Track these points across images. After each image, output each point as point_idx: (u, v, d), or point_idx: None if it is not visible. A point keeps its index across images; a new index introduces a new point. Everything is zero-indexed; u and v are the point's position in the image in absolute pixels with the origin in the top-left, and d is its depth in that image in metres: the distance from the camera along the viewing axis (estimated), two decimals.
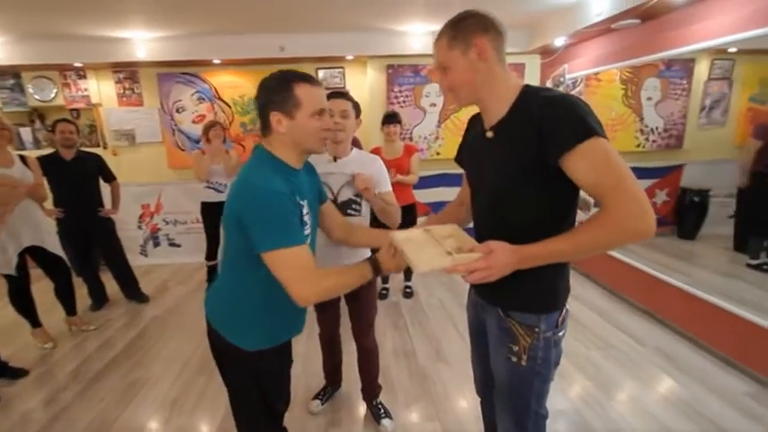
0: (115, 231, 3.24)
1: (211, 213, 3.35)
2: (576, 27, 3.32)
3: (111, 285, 3.33)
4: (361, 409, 2.02)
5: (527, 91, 0.97)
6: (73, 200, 2.97)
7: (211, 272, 3.53)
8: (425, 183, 4.05)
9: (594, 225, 0.87)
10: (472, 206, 1.18)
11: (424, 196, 4.16)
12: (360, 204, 1.67)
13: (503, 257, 0.89)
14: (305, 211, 1.12)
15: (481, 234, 1.08)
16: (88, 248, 3.15)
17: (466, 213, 1.27)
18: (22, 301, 2.57)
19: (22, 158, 2.52)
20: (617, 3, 2.80)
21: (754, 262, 2.91)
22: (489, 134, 1.02)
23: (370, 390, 1.95)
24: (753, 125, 3.09)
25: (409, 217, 3.20)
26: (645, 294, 2.98)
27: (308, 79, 1.09)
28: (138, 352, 2.60)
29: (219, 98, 4.21)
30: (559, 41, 3.72)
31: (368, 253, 1.73)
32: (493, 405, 1.33)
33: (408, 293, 3.38)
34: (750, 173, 2.94)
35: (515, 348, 1.05)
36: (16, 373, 2.32)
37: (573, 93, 3.85)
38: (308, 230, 1.15)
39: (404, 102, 4.24)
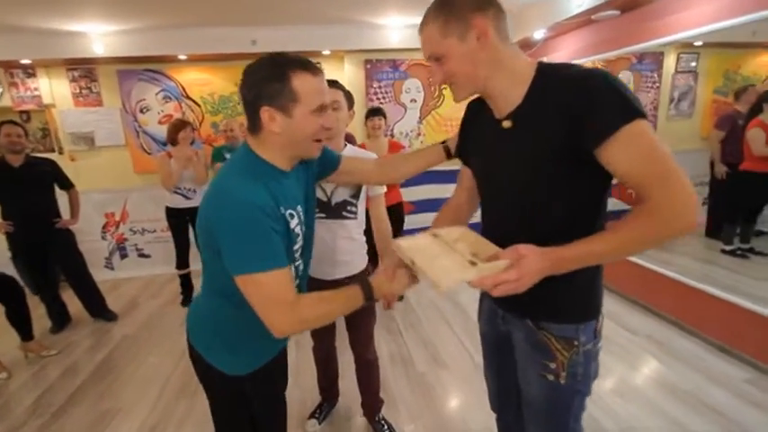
0: (75, 244, 2.95)
1: (179, 219, 3.12)
2: (556, 19, 3.29)
3: (73, 304, 3.03)
4: (363, 425, 1.88)
5: (544, 70, 0.84)
6: (24, 211, 2.67)
7: (185, 281, 3.28)
8: (410, 180, 3.94)
9: (639, 221, 0.76)
10: (484, 208, 1.04)
11: (409, 194, 4.06)
12: (356, 206, 1.53)
13: (535, 264, 0.75)
14: (294, 222, 0.95)
15: (499, 240, 0.91)
16: (45, 264, 2.84)
17: (467, 216, 1.13)
18: None
19: None
20: None
21: (728, 248, 2.99)
22: (506, 124, 0.88)
23: (372, 405, 1.82)
24: (716, 116, 3.18)
25: (396, 216, 3.08)
26: (633, 285, 2.98)
27: (308, 67, 0.90)
28: (107, 377, 2.35)
29: (187, 96, 3.94)
30: (539, 34, 3.69)
31: (364, 252, 1.60)
32: (510, 421, 1.23)
33: (399, 296, 3.27)
34: (722, 163, 3.02)
35: (552, 366, 0.93)
36: None
37: None
38: (298, 243, 0.99)
39: (383, 98, 4.12)
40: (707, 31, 2.32)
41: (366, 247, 1.62)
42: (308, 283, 1.25)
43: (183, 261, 3.22)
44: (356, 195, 1.52)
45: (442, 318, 2.90)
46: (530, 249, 0.77)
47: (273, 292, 0.86)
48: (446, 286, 0.76)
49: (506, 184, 0.94)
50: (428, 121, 4.27)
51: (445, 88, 4.18)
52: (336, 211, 1.49)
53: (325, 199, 1.48)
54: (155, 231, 3.97)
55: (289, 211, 0.94)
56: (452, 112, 4.29)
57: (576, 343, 0.91)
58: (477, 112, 1.01)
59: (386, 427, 1.79)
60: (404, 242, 0.90)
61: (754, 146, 2.73)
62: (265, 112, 0.89)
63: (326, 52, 3.93)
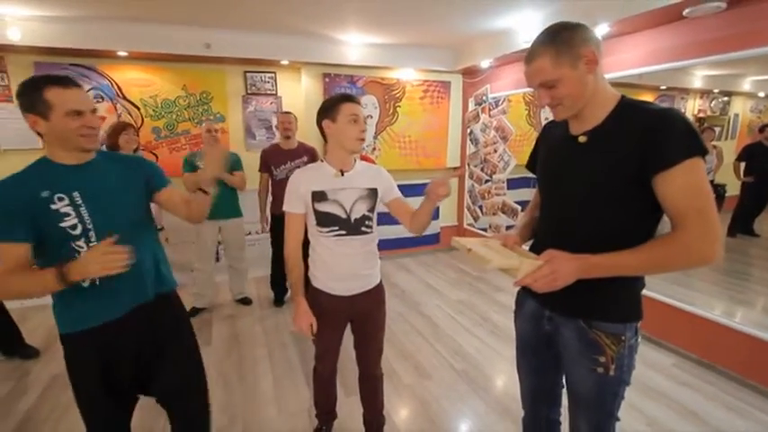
0: None
1: None
2: (503, 51, 3.66)
3: None
4: None
5: (626, 102, 0.99)
6: None
7: None
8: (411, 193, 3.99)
9: (667, 243, 0.91)
10: (542, 213, 1.17)
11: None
12: (372, 221, 1.53)
13: (565, 265, 0.92)
14: (59, 202, 1.14)
15: (545, 241, 1.07)
16: None
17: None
18: None
19: None
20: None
21: None
22: (582, 139, 1.02)
23: (376, 422, 1.79)
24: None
25: None
26: None
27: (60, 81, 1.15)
28: (40, 431, 1.94)
29: (124, 97, 3.51)
30: (485, 63, 4.06)
31: (379, 266, 1.61)
32: (540, 417, 1.33)
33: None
34: None
35: (602, 359, 1.04)
36: None
37: (495, 111, 4.23)
38: (69, 222, 1.15)
39: None
40: (620, 75, 2.85)
41: (379, 262, 1.62)
42: (325, 299, 1.51)
43: None
44: (372, 209, 1.53)
45: (414, 329, 2.96)
46: (559, 252, 0.94)
47: None
48: (494, 265, 0.96)
49: (564, 193, 1.07)
50: (383, 136, 4.39)
51: (399, 107, 4.33)
52: (356, 227, 1.48)
53: (344, 216, 1.46)
54: None
55: (59, 195, 1.15)
56: (405, 129, 4.46)
57: (623, 338, 1.04)
58: (550, 130, 1.16)
59: None
60: (462, 238, 1.08)
61: None
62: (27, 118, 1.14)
63: (285, 62, 3.83)
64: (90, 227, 1.19)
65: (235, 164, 3.04)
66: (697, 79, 3.19)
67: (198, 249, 3.07)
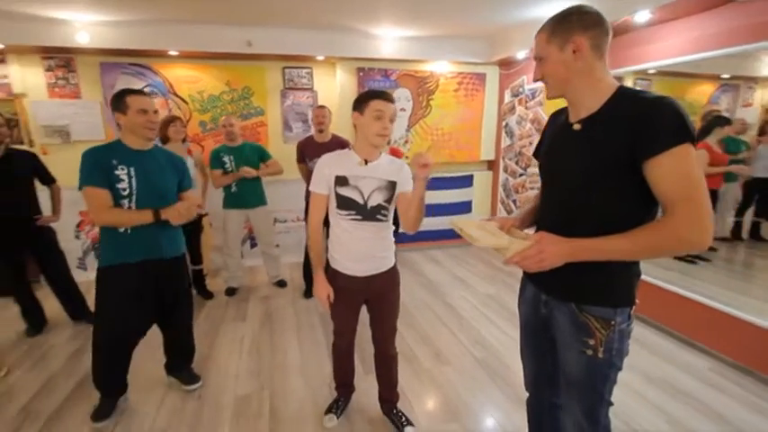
0: (57, 242, 2.78)
1: None
2: None
3: (47, 305, 2.84)
4: (379, 418, 1.95)
5: (623, 91, 1.00)
6: (2, 206, 2.49)
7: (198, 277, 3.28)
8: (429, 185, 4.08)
9: (656, 229, 0.92)
10: (541, 198, 1.21)
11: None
12: (387, 210, 1.62)
13: (553, 246, 0.96)
14: (120, 170, 1.71)
15: (544, 227, 1.11)
16: (22, 263, 2.66)
17: None
18: None
19: None
20: None
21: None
22: (577, 126, 1.05)
23: (390, 398, 1.89)
24: None
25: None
26: None
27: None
28: None
29: (175, 93, 3.83)
30: (521, 54, 3.98)
31: (394, 250, 1.69)
32: (542, 399, 1.37)
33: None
34: None
35: (591, 342, 1.07)
36: None
37: (531, 103, 4.14)
38: (122, 185, 1.71)
39: None
40: (669, 63, 2.71)
41: (394, 246, 1.71)
42: (342, 280, 1.66)
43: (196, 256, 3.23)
44: (389, 200, 1.60)
45: (437, 318, 3.02)
46: (550, 234, 0.98)
47: (89, 200, 1.70)
48: (482, 244, 1.02)
49: (561, 179, 1.11)
50: (415, 129, 4.43)
51: (432, 99, 4.35)
52: (371, 213, 1.57)
53: (361, 202, 1.56)
54: None
55: (120, 166, 1.71)
56: (438, 121, 4.48)
57: (612, 323, 1.06)
58: (555, 119, 1.19)
59: (403, 418, 1.87)
60: (460, 219, 1.15)
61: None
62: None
63: (320, 57, 3.98)
64: (134, 194, 1.74)
65: (263, 154, 3.26)
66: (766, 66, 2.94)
67: (225, 236, 3.32)
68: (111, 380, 1.94)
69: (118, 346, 1.88)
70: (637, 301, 1.12)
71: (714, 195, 3.07)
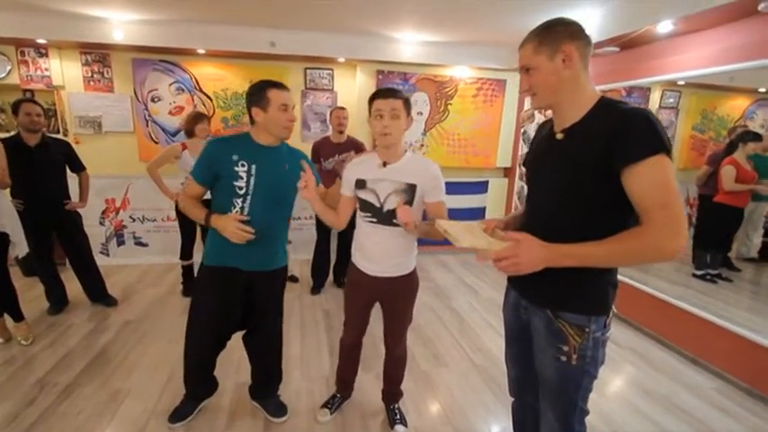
0: (82, 227, 2.95)
1: None
2: None
3: (69, 286, 3.01)
4: (372, 415, 1.98)
5: (604, 102, 1.01)
6: (36, 190, 2.67)
7: (187, 272, 3.30)
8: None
9: (631, 237, 0.92)
10: (526, 205, 1.22)
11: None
12: None
13: (531, 250, 0.94)
14: (240, 167, 1.56)
15: (527, 231, 1.10)
16: (49, 245, 2.83)
17: None
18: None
19: None
20: (602, 31, 3.03)
21: (698, 272, 3.23)
22: (559, 136, 1.06)
23: (393, 394, 1.93)
24: (709, 153, 3.43)
25: None
26: (619, 302, 3.20)
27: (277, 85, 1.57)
28: (113, 360, 2.35)
29: (200, 90, 3.99)
30: None
31: (415, 254, 1.70)
32: (525, 404, 1.37)
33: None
34: (698, 195, 3.29)
35: (565, 348, 1.08)
36: None
37: (550, 112, 4.09)
38: (240, 182, 1.57)
39: None
40: (694, 75, 2.63)
41: (416, 250, 1.70)
42: (357, 273, 1.69)
43: (188, 252, 3.24)
44: (408, 204, 1.54)
45: (439, 320, 3.02)
46: (527, 236, 0.97)
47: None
48: (462, 244, 1.03)
49: (542, 187, 1.13)
50: (431, 133, 4.45)
51: (450, 104, 4.36)
52: (387, 217, 1.56)
53: (378, 205, 1.57)
54: (155, 220, 3.97)
55: (241, 161, 1.56)
56: (454, 126, 4.49)
57: (587, 330, 1.06)
58: (542, 129, 1.21)
59: (398, 416, 1.89)
60: (445, 221, 1.18)
61: (725, 181, 2.94)
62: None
63: (341, 59, 4.06)
64: (250, 193, 1.58)
65: None
66: None
67: None
68: (193, 380, 1.86)
69: (204, 341, 1.77)
70: (614, 309, 1.12)
71: (739, 214, 2.95)
